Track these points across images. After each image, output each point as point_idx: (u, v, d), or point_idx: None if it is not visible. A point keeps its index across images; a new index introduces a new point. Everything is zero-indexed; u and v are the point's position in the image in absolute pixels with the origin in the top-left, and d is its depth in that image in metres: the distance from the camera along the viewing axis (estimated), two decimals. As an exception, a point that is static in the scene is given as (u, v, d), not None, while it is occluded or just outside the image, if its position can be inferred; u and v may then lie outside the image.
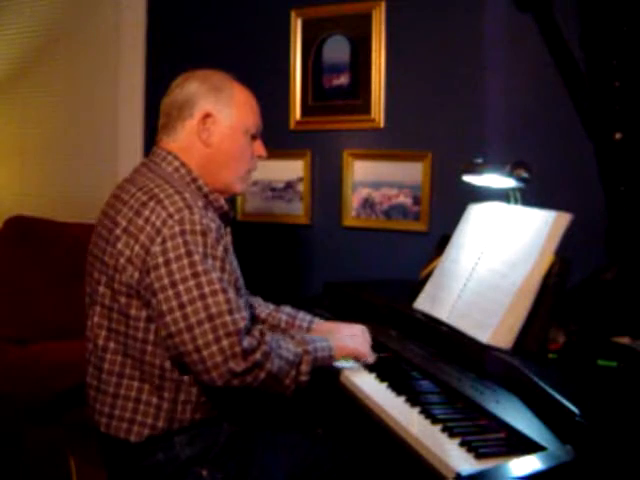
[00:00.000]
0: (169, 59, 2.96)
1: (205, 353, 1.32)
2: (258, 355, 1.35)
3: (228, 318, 1.34)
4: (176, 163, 1.53)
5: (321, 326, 1.79)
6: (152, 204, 1.40)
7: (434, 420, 1.32)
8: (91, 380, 1.50)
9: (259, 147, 1.63)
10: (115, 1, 3.06)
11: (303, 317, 1.82)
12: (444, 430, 1.27)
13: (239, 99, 1.58)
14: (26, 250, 2.85)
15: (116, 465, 1.52)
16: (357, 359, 1.64)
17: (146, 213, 1.39)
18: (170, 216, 1.37)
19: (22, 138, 3.38)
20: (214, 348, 1.32)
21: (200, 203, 1.45)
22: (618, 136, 1.89)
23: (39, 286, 2.75)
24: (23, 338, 2.61)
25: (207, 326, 1.32)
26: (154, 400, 1.43)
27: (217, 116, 1.54)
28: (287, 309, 1.84)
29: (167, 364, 1.42)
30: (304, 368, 1.46)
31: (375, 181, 2.55)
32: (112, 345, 1.44)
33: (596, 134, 2.07)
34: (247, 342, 1.34)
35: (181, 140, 1.55)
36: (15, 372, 2.35)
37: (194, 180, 1.53)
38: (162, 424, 1.43)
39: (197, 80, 1.56)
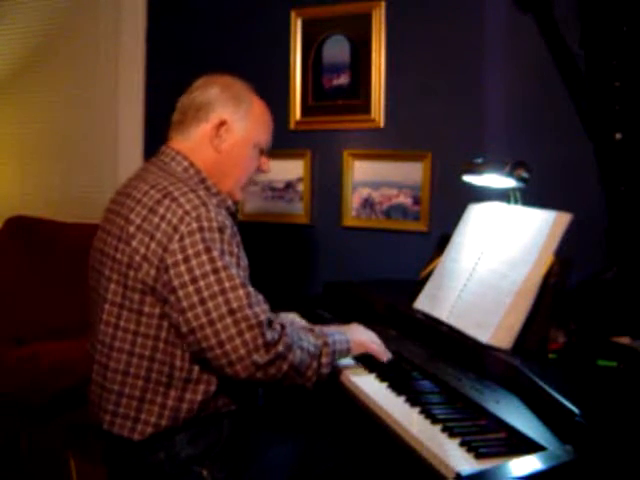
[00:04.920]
0: (169, 59, 2.96)
1: (228, 347, 1.34)
2: (280, 347, 1.37)
3: (249, 312, 1.35)
4: (185, 163, 1.55)
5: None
6: (167, 202, 1.41)
7: (434, 420, 1.32)
8: (96, 377, 1.50)
9: (265, 162, 1.68)
10: (115, 1, 3.06)
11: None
12: (444, 430, 1.27)
13: (256, 113, 1.62)
14: (26, 250, 2.86)
15: (116, 463, 1.53)
16: (374, 357, 1.64)
17: (161, 211, 1.40)
18: (187, 213, 1.39)
19: (22, 138, 3.37)
20: (237, 341, 1.34)
21: (214, 200, 1.47)
22: (618, 136, 1.89)
23: (39, 286, 2.75)
24: (23, 338, 2.61)
25: (229, 320, 1.34)
26: (159, 399, 1.43)
27: (232, 125, 1.58)
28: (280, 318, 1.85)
29: (177, 362, 1.42)
30: (325, 360, 1.48)
31: (375, 181, 2.55)
32: (118, 343, 1.44)
33: (596, 134, 2.06)
34: (269, 334, 1.36)
35: (192, 141, 1.58)
36: (15, 372, 2.35)
37: (203, 180, 1.56)
38: (165, 422, 1.43)
39: (219, 86, 1.60)
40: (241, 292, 1.37)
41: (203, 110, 1.57)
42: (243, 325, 1.34)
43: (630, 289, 1.79)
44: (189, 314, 1.36)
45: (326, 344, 1.50)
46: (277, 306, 2.10)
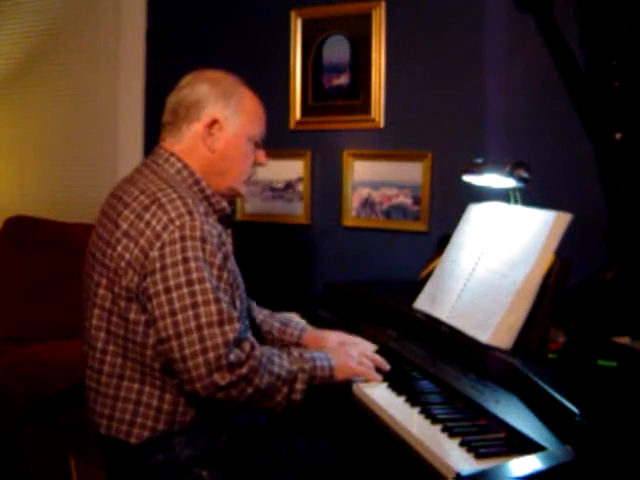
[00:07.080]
0: (169, 59, 2.96)
1: (190, 363, 1.31)
2: (244, 369, 1.33)
3: (217, 330, 1.32)
4: (179, 165, 1.53)
5: (311, 335, 1.79)
6: (154, 208, 1.39)
7: (434, 420, 1.32)
8: (89, 382, 1.49)
9: (261, 155, 1.64)
10: (115, 1, 3.06)
11: (295, 325, 1.82)
12: (444, 430, 1.27)
13: (247, 107, 1.59)
14: (26, 250, 2.86)
15: (116, 466, 1.52)
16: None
17: (147, 217, 1.39)
18: (171, 221, 1.37)
19: (22, 138, 3.38)
20: (200, 359, 1.31)
21: (202, 208, 1.44)
22: (618, 136, 1.89)
23: (39, 286, 2.75)
24: (23, 338, 2.61)
25: (195, 336, 1.32)
26: (154, 403, 1.42)
27: (224, 123, 1.55)
28: (281, 316, 1.84)
29: (167, 369, 1.41)
30: (298, 386, 1.44)
31: (375, 181, 2.55)
32: (112, 348, 1.43)
33: (596, 134, 2.07)
34: (234, 355, 1.33)
35: (185, 142, 1.55)
36: (15, 372, 2.35)
37: (197, 182, 1.53)
38: (162, 426, 1.43)
39: (208, 82, 1.56)
40: (213, 307, 1.33)
41: (193, 109, 1.53)
42: (208, 343, 1.31)
43: (630, 289, 1.78)
44: (160, 324, 1.34)
45: (302, 370, 1.45)
46: (277, 306, 2.11)
